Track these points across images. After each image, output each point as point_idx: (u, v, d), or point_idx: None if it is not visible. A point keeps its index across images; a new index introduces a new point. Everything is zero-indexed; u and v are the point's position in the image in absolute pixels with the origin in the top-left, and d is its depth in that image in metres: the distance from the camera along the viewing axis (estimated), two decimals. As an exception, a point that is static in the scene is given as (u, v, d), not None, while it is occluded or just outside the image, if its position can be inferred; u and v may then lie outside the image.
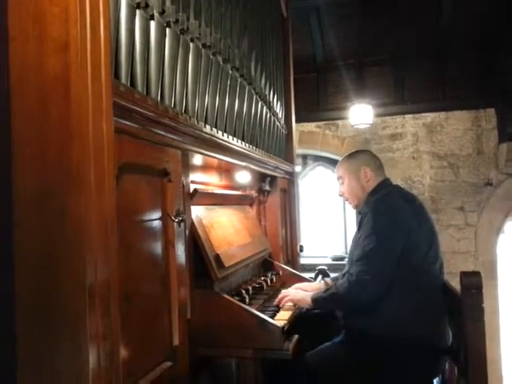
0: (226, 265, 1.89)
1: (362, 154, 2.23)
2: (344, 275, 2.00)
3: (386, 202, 1.97)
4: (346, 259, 2.15)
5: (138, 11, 1.28)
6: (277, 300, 2.12)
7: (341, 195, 2.24)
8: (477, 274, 1.51)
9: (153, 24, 1.36)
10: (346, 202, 2.28)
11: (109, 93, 1.02)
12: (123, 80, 1.20)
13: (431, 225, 1.99)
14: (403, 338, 1.81)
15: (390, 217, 1.89)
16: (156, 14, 1.37)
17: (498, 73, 5.61)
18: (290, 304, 2.09)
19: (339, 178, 2.22)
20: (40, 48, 0.93)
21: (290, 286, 2.30)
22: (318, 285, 2.33)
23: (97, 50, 0.95)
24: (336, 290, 1.93)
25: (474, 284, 1.48)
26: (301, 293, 2.13)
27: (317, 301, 2.01)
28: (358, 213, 2.16)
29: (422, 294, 1.86)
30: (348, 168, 2.16)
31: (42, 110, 0.94)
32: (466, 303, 1.52)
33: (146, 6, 1.32)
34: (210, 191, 2.12)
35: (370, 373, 1.83)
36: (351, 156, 2.22)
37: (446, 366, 1.95)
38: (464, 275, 1.51)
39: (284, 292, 2.15)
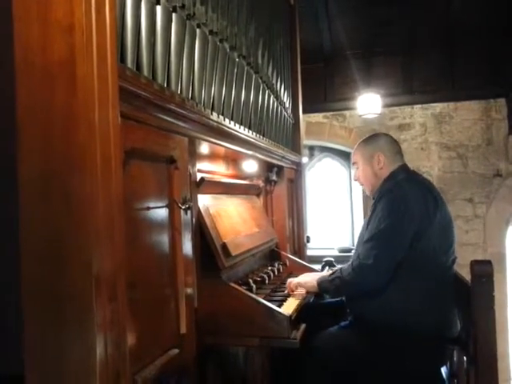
0: (233, 254, 1.88)
1: (378, 139, 2.16)
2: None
3: (398, 188, 1.93)
4: (355, 245, 2.14)
5: (143, -6, 1.26)
6: (288, 288, 2.14)
7: (356, 180, 2.22)
8: (488, 262, 1.49)
9: (159, 8, 1.34)
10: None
11: (115, 76, 1.00)
12: (129, 65, 1.18)
13: (447, 214, 1.94)
14: (410, 326, 1.79)
15: (401, 204, 1.85)
16: (162, -2, 1.35)
17: (508, 63, 5.52)
18: (302, 291, 2.10)
19: (354, 163, 2.19)
20: (44, 29, 0.91)
21: (296, 276, 2.30)
22: (326, 273, 2.32)
23: (102, 32, 0.94)
24: (340, 275, 1.92)
25: (486, 272, 1.46)
26: (308, 276, 2.16)
27: (321, 285, 2.02)
28: (372, 198, 2.13)
29: (431, 283, 1.83)
30: (362, 154, 2.13)
31: (47, 92, 0.93)
32: (477, 291, 1.50)
33: (152, -11, 1.30)
34: (216, 180, 2.11)
35: (376, 359, 1.82)
36: (367, 141, 2.17)
37: (455, 357, 1.94)
38: (476, 263, 1.49)
39: (292, 279, 2.17)
